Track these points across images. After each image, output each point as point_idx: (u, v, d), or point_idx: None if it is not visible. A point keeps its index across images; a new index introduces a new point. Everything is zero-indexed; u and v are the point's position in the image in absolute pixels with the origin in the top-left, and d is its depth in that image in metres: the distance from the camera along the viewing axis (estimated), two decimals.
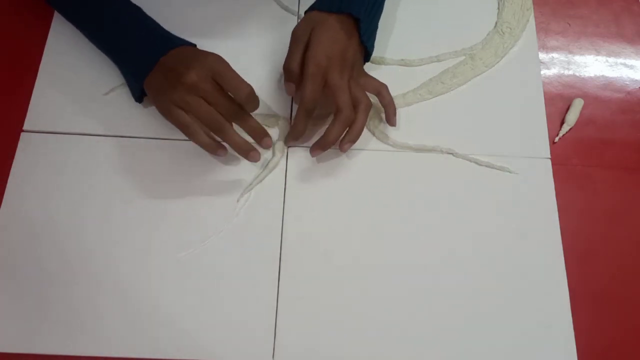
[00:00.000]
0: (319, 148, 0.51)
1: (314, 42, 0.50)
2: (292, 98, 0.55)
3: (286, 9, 0.60)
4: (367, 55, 0.54)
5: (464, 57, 0.58)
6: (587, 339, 0.48)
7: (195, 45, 0.52)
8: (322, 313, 0.48)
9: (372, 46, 0.54)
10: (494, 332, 0.48)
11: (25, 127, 0.53)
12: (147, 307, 0.47)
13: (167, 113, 0.48)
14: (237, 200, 0.51)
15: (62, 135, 0.53)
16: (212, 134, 0.49)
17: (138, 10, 0.53)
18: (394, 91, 0.56)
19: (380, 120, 0.55)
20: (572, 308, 0.49)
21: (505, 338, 0.48)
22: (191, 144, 0.49)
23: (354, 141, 0.51)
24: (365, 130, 0.55)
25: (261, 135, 0.49)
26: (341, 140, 0.51)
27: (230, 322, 0.47)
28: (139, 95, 0.52)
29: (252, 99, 0.47)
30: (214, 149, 0.48)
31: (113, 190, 0.51)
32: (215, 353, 0.46)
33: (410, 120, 0.55)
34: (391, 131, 0.55)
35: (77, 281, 0.48)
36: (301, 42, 0.51)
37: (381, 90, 0.53)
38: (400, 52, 0.58)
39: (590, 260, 0.51)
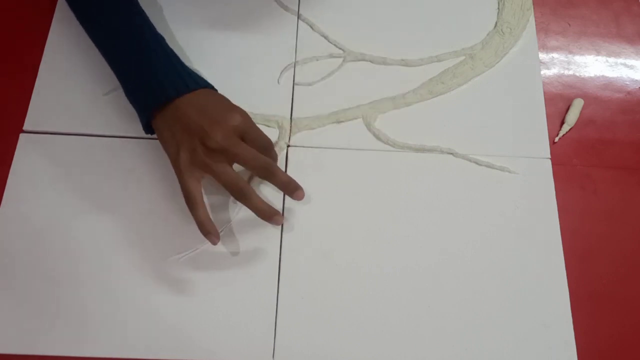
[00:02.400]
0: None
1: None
2: (292, 97, 0.55)
3: (286, 9, 0.60)
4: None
5: (464, 57, 0.58)
6: (587, 339, 0.48)
7: (214, 88, 0.50)
8: (322, 313, 0.48)
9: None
10: (494, 332, 0.48)
11: (25, 127, 0.53)
12: (147, 307, 0.47)
13: (180, 173, 0.46)
14: (235, 201, 0.51)
15: (62, 135, 0.53)
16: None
17: (161, 39, 0.51)
18: (394, 91, 0.56)
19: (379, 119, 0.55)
20: (572, 308, 0.49)
21: (505, 338, 0.48)
22: None
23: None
24: (365, 130, 0.55)
25: (293, 189, 0.47)
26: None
27: (230, 322, 0.47)
28: (146, 125, 0.49)
29: (272, 148, 0.48)
30: (208, 232, 0.46)
31: (113, 191, 0.51)
32: (215, 353, 0.46)
33: (410, 120, 0.55)
34: (391, 131, 0.55)
35: (77, 281, 0.48)
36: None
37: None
38: (400, 52, 0.58)
39: (590, 260, 0.51)
